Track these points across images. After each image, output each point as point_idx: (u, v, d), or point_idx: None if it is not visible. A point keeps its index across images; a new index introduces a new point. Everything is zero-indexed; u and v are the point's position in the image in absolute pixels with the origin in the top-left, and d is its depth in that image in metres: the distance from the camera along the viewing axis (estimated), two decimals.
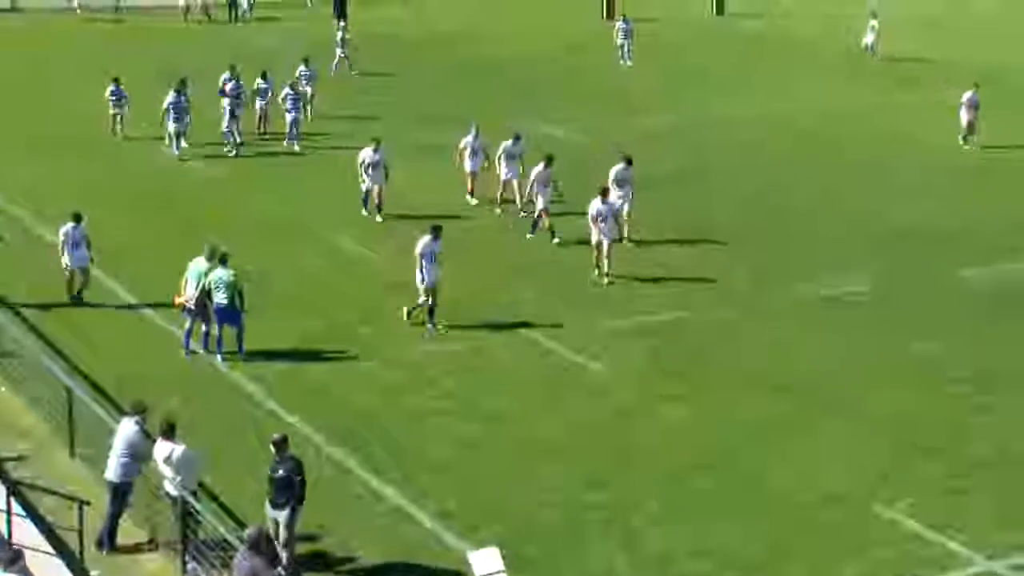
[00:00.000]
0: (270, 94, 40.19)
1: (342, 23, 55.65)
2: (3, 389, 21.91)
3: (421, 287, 24.60)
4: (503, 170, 32.17)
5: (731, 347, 24.46)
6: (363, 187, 31.52)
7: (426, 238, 24.64)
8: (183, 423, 17.69)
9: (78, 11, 64.54)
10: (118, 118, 39.30)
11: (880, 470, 19.78)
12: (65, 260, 25.57)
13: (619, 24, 55.68)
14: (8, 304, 25.49)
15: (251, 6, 66.68)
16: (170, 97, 37.06)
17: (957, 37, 62.80)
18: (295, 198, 33.51)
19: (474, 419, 21.38)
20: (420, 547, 17.61)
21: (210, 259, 23.19)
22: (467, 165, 32.96)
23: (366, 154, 31.30)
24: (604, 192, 27.65)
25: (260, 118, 40.39)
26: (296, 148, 38.46)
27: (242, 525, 17.31)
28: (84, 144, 38.80)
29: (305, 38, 58.62)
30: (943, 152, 39.70)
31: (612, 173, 29.61)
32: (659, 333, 24.98)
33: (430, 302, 24.63)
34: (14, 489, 17.83)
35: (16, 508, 17.01)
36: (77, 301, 25.71)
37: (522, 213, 31.44)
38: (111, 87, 39.49)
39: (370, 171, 31.21)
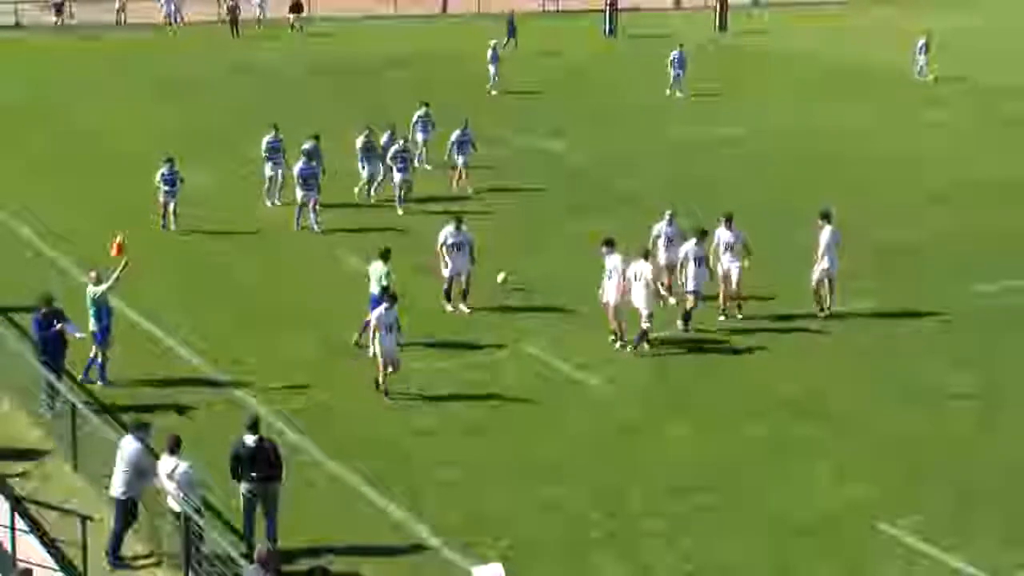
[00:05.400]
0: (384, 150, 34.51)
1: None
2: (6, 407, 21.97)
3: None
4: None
5: (734, 364, 24.45)
6: (445, 273, 26.74)
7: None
8: (187, 438, 17.70)
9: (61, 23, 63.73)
10: (170, 208, 32.13)
11: (885, 487, 19.76)
12: (375, 347, 22.45)
13: (674, 53, 51.40)
14: (10, 318, 25.53)
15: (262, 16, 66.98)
16: (300, 164, 32.28)
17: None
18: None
19: (477, 435, 21.38)
20: (423, 563, 17.62)
21: (385, 259, 24.59)
22: (662, 257, 26.85)
23: (447, 233, 26.59)
24: (647, 254, 25.12)
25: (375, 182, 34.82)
26: (399, 212, 33.63)
27: (245, 540, 17.33)
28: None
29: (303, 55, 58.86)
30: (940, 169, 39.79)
31: (822, 238, 26.25)
32: (661, 350, 24.97)
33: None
34: (18, 504, 17.83)
35: (20, 523, 17.00)
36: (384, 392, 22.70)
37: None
38: (163, 169, 32.08)
39: (452, 254, 26.53)
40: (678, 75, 51.17)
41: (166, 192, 32.07)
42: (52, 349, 21.69)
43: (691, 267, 25.59)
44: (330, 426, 21.46)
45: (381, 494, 19.25)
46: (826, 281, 26.67)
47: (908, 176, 38.89)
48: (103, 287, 22.76)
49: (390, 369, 22.44)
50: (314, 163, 32.47)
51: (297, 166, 32.36)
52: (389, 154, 34.04)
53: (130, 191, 35.22)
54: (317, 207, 32.13)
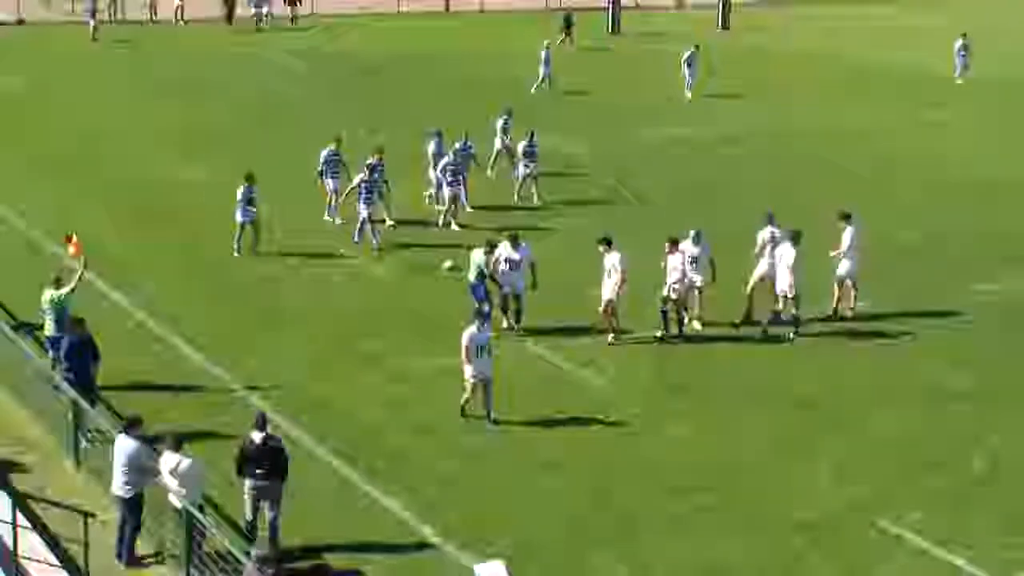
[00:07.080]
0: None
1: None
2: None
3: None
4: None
5: (734, 363, 24.49)
6: (502, 292, 25.64)
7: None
8: (187, 437, 17.75)
9: (92, 26, 62.55)
10: (247, 229, 29.75)
11: (885, 486, 19.81)
12: (470, 370, 21.47)
13: (687, 52, 50.30)
14: (11, 315, 25.57)
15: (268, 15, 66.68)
16: (360, 178, 30.61)
17: None
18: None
19: (477, 433, 21.41)
20: (424, 561, 17.66)
21: (489, 251, 25.03)
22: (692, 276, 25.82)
23: (503, 250, 25.46)
24: (675, 242, 25.23)
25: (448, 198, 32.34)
26: (454, 227, 31.84)
27: (247, 538, 17.37)
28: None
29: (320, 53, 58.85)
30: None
31: (845, 239, 26.23)
32: (661, 348, 24.99)
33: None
34: (20, 501, 17.86)
35: (21, 520, 17.04)
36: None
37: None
38: (242, 188, 29.55)
39: (507, 270, 25.36)
40: (690, 75, 50.10)
41: (245, 213, 29.56)
42: (81, 376, 20.26)
43: (786, 270, 25.37)
44: (331, 425, 21.49)
45: (382, 492, 19.30)
46: (848, 281, 26.65)
47: (908, 176, 38.90)
48: (65, 290, 22.02)
49: (477, 391, 21.58)
50: (375, 176, 30.77)
51: (356, 179, 30.89)
52: (439, 166, 32.36)
53: (131, 191, 35.27)
54: (375, 219, 30.68)
